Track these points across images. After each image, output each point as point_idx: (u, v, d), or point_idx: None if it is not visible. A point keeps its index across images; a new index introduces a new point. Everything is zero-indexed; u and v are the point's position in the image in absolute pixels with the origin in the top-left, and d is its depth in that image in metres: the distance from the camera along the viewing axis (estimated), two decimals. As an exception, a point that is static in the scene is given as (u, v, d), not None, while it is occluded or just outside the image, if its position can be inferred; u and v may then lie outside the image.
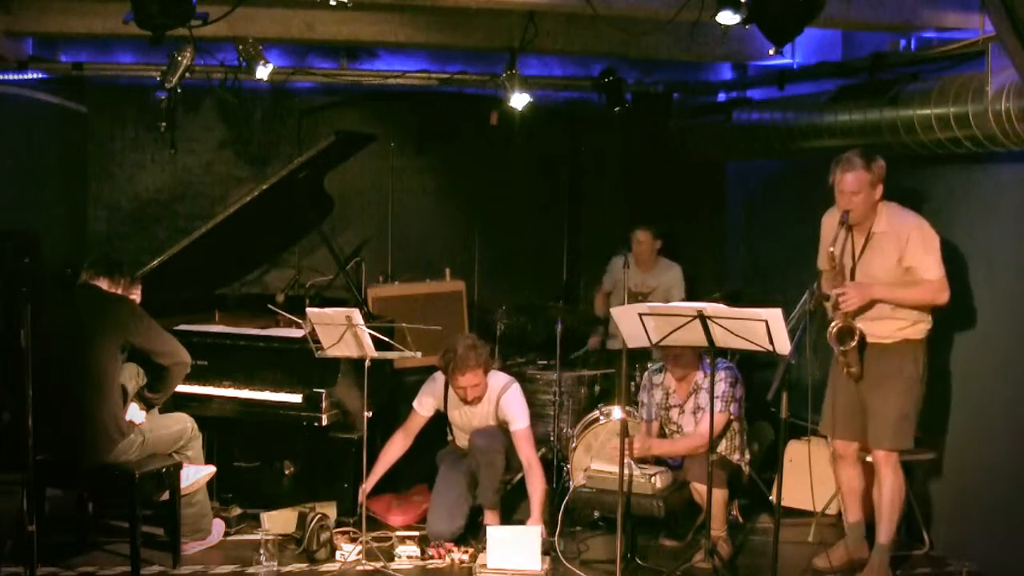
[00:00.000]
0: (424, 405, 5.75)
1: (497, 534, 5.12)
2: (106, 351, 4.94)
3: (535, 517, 5.43)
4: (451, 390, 5.65)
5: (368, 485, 5.54)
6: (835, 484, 5.40)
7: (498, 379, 5.68)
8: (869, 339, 5.03)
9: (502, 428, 5.66)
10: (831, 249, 4.92)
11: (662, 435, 5.68)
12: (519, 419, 5.59)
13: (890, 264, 4.97)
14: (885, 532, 5.07)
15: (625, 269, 6.74)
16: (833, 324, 4.99)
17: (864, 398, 5.13)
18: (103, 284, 5.10)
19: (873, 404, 5.09)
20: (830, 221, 5.15)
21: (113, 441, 4.92)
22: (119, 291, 5.13)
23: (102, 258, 5.36)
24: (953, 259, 5.45)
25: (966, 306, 5.40)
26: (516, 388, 5.68)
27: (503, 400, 5.62)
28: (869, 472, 5.32)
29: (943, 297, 4.96)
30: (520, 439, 5.56)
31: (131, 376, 5.26)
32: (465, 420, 5.70)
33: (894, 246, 4.94)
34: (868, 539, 5.27)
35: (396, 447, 5.75)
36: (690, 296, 7.05)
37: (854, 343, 4.97)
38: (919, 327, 5.05)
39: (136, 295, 5.26)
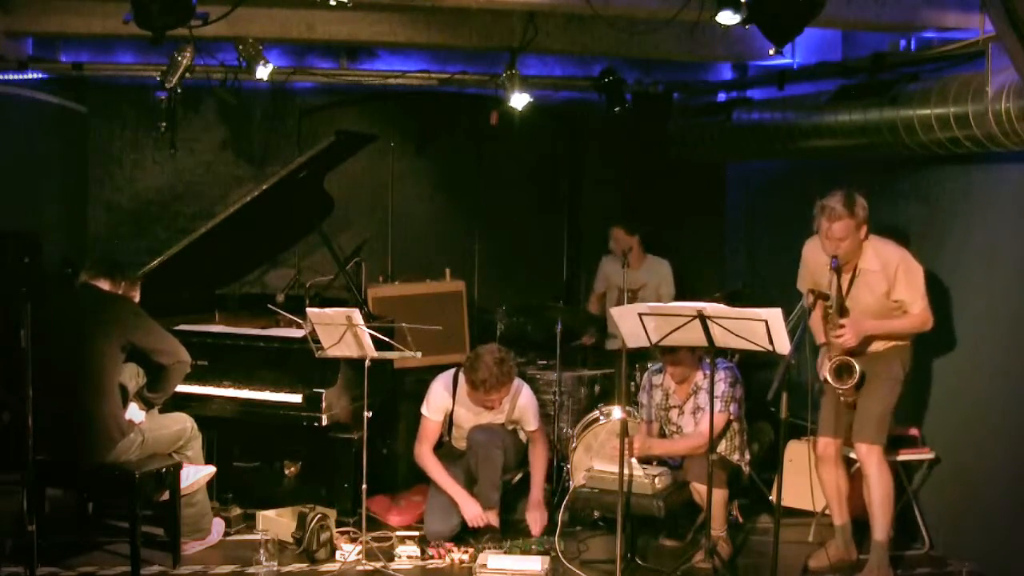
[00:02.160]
0: (436, 411, 5.69)
1: (497, 562, 5.09)
2: (106, 350, 4.94)
3: (535, 500, 5.56)
4: (460, 390, 5.63)
5: (470, 502, 5.52)
6: (820, 487, 5.40)
7: None
8: (861, 353, 5.08)
9: (505, 427, 5.65)
10: (827, 292, 4.97)
11: (662, 435, 5.68)
12: (535, 421, 5.69)
13: (878, 298, 5.05)
14: (880, 529, 5.08)
15: (625, 268, 6.75)
16: (831, 361, 5.03)
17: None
18: (103, 285, 5.10)
19: (859, 402, 5.15)
20: (812, 251, 5.21)
21: (113, 441, 4.93)
22: (119, 292, 5.14)
23: (102, 259, 5.36)
24: (952, 259, 5.46)
25: (966, 306, 5.41)
26: (528, 390, 5.73)
27: (519, 404, 5.63)
28: (855, 474, 5.35)
29: (928, 325, 5.09)
30: (537, 439, 5.68)
31: (131, 376, 5.26)
32: (471, 419, 5.69)
33: (882, 281, 5.02)
34: (857, 540, 5.32)
35: (434, 457, 5.67)
36: (689, 296, 7.04)
37: (853, 381, 5.01)
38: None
39: (135, 295, 5.26)
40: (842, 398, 5.13)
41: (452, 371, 5.74)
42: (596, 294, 7.44)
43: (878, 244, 5.06)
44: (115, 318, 5.00)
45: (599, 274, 7.46)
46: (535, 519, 5.57)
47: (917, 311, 5.02)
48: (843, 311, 5.01)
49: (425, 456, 5.65)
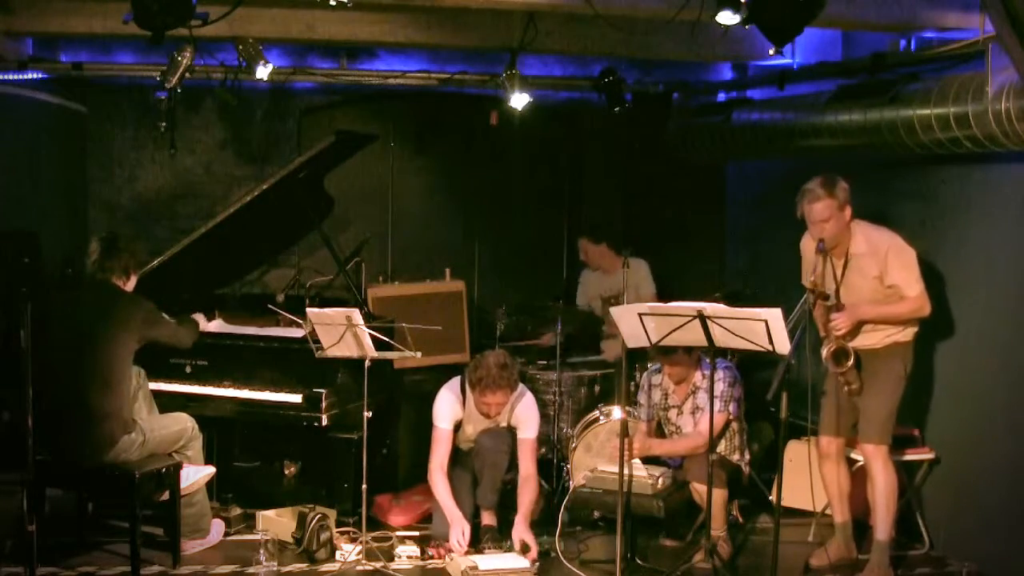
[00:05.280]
0: (444, 418, 5.56)
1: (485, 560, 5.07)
2: (121, 348, 4.99)
3: (521, 525, 5.33)
4: (469, 402, 5.57)
5: (459, 525, 5.35)
6: (822, 485, 5.41)
7: None
8: (860, 347, 5.09)
9: (509, 431, 5.63)
10: (811, 277, 4.98)
11: (660, 435, 5.68)
12: (530, 429, 5.55)
13: (871, 283, 5.04)
14: (883, 529, 5.09)
15: (625, 268, 6.70)
16: (828, 347, 5.04)
17: (854, 397, 5.17)
18: (116, 279, 5.12)
19: (863, 402, 5.15)
20: (806, 242, 5.23)
21: (114, 438, 4.95)
22: (128, 277, 5.16)
23: (103, 251, 5.23)
24: (952, 259, 5.46)
25: (966, 306, 5.41)
26: (531, 397, 5.64)
27: (518, 408, 5.57)
28: (857, 473, 5.36)
29: (925, 310, 5.06)
30: (526, 449, 5.52)
31: (131, 376, 5.27)
32: (477, 427, 5.66)
33: (873, 265, 5.02)
34: (857, 539, 5.35)
35: (446, 482, 5.48)
36: (689, 296, 7.02)
37: (850, 363, 5.03)
38: (907, 331, 5.13)
39: (133, 278, 5.25)
40: (845, 386, 5.12)
41: (458, 378, 5.69)
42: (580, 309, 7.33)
43: (867, 228, 5.07)
44: (131, 315, 5.05)
45: (579, 289, 7.37)
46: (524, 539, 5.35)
47: (913, 294, 5.00)
48: (837, 294, 5.03)
49: (434, 474, 5.49)
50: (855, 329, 5.06)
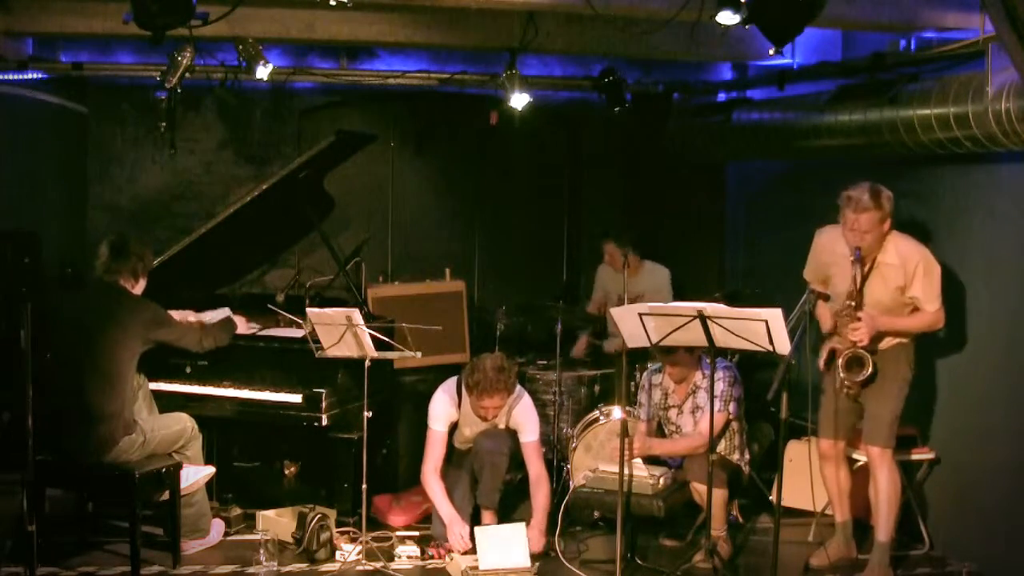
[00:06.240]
0: (439, 420, 5.57)
1: (485, 535, 5.07)
2: (124, 350, 5.01)
3: (537, 525, 5.36)
4: (464, 404, 5.57)
5: (457, 524, 5.39)
6: (823, 484, 5.41)
7: None
8: (866, 349, 5.08)
9: (509, 432, 5.62)
10: (829, 295, 4.96)
11: (660, 435, 5.68)
12: (531, 431, 5.53)
13: (892, 292, 5.04)
14: (884, 530, 5.09)
15: (625, 274, 6.68)
16: (843, 353, 5.03)
17: (852, 399, 5.18)
18: (124, 282, 5.12)
19: (869, 405, 5.15)
20: (828, 241, 5.19)
21: (115, 439, 4.95)
22: (137, 279, 5.17)
23: (112, 253, 5.23)
24: (953, 259, 5.45)
25: (966, 306, 5.41)
26: (528, 399, 5.63)
27: (516, 411, 5.56)
28: (857, 473, 5.36)
29: (939, 325, 5.11)
30: (531, 451, 5.51)
31: (134, 377, 5.27)
32: (474, 429, 5.66)
33: (900, 276, 5.01)
34: (857, 539, 5.36)
35: (439, 483, 5.53)
36: (689, 296, 7.03)
37: (863, 376, 5.02)
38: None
39: (142, 281, 5.24)
40: (845, 391, 5.12)
41: (454, 379, 5.69)
42: (594, 303, 7.34)
43: (899, 239, 5.05)
44: (136, 318, 5.07)
45: (596, 283, 7.39)
46: (535, 540, 5.38)
47: (931, 310, 5.02)
48: (858, 300, 5.03)
49: (427, 475, 5.52)
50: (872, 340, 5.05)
